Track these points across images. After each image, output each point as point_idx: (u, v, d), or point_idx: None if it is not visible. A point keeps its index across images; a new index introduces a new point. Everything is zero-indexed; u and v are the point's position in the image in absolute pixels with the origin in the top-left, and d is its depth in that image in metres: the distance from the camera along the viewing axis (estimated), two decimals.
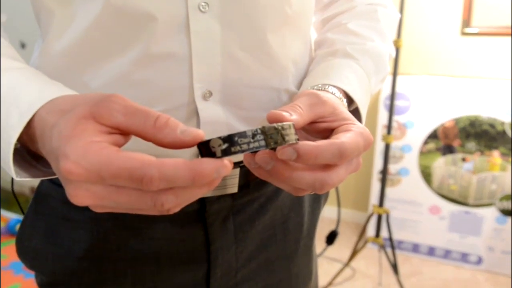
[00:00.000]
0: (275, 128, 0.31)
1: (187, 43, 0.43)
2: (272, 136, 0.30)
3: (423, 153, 2.19)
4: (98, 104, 0.29)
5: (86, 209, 0.33)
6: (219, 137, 0.29)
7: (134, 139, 0.31)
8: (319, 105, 0.39)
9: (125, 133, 0.30)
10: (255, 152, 0.34)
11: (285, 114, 0.35)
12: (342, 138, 0.35)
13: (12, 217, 2.10)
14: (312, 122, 0.39)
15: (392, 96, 1.87)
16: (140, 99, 0.43)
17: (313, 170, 0.35)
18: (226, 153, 0.29)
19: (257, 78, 0.47)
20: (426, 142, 2.17)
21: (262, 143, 0.30)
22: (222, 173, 0.27)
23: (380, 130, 2.25)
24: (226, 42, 0.44)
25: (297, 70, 0.52)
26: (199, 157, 0.29)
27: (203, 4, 0.42)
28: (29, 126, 0.33)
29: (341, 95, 0.45)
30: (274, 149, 0.33)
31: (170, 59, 0.43)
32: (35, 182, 0.50)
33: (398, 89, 2.13)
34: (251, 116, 0.48)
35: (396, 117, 2.18)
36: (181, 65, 0.43)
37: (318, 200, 0.64)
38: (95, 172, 0.27)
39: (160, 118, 0.29)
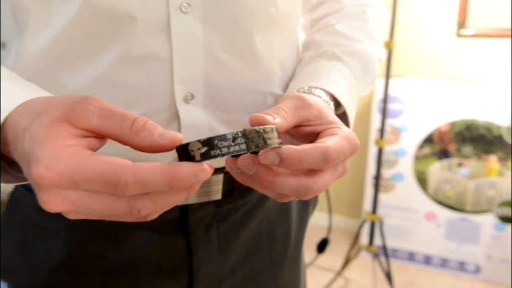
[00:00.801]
0: (257, 131, 0.31)
1: (168, 45, 0.43)
2: (253, 139, 0.31)
3: (418, 158, 2.20)
4: (73, 106, 0.29)
5: (61, 216, 0.33)
6: (198, 140, 0.29)
7: (111, 143, 0.31)
8: (304, 108, 0.39)
9: (100, 136, 0.30)
10: (237, 156, 0.33)
11: (268, 117, 0.35)
12: (327, 142, 0.35)
13: None
14: (297, 126, 0.39)
15: (385, 99, 1.87)
16: (119, 101, 0.43)
17: (297, 175, 0.34)
18: (205, 157, 0.29)
19: (241, 80, 0.48)
20: (421, 147, 2.19)
21: (243, 146, 0.30)
22: (201, 177, 0.27)
23: (373, 134, 2.26)
24: (209, 44, 0.45)
25: (283, 73, 0.52)
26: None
27: (185, 4, 0.42)
28: (1, 130, 0.32)
29: (327, 98, 0.45)
30: (256, 153, 0.33)
31: (150, 61, 0.43)
32: (12, 188, 0.52)
33: (391, 91, 2.14)
34: (235, 119, 0.49)
35: (389, 121, 2.20)
36: (162, 67, 0.44)
37: (306, 207, 0.64)
38: (67, 176, 0.26)
39: (137, 120, 0.28)
